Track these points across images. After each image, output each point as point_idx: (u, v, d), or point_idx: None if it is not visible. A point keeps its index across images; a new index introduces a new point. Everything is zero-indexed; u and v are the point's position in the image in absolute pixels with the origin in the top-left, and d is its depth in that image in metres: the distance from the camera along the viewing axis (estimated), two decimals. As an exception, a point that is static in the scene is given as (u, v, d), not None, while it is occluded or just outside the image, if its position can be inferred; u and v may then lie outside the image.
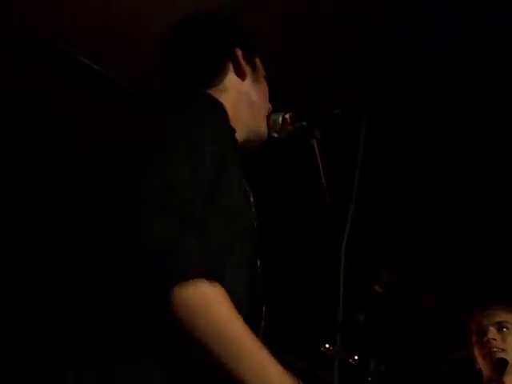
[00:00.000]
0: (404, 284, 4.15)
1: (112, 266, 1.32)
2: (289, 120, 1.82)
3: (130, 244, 1.29)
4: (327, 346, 1.48)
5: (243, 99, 1.75)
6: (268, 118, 1.82)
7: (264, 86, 1.83)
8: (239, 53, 1.76)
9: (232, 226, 1.46)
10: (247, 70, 1.78)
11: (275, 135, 1.84)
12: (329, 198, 1.65)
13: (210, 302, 1.32)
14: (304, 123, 1.80)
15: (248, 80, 1.77)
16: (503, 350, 2.80)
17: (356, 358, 1.50)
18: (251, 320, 1.38)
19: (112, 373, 1.33)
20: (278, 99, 1.86)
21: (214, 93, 1.69)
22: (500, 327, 2.85)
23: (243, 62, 1.77)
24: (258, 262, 1.58)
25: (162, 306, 1.29)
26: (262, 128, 1.80)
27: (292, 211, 3.96)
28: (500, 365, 2.73)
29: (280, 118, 1.83)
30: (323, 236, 1.59)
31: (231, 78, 1.75)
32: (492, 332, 2.82)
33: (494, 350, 2.78)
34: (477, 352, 2.88)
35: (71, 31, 3.22)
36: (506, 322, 2.87)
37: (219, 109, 1.58)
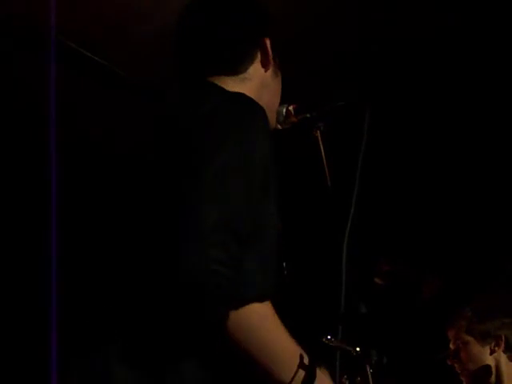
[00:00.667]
0: (404, 275, 4.16)
1: (173, 286, 1.28)
2: (292, 112, 1.82)
3: (193, 266, 1.26)
4: (329, 337, 1.48)
5: (264, 90, 1.68)
6: (272, 110, 1.82)
7: (280, 80, 1.77)
8: (268, 42, 1.69)
9: (274, 237, 1.45)
10: (271, 60, 1.70)
11: (279, 127, 1.83)
12: (332, 189, 1.65)
13: (262, 321, 1.35)
14: (308, 115, 1.80)
15: (269, 71, 1.71)
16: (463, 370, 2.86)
17: (358, 349, 1.51)
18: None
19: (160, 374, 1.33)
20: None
21: (236, 81, 1.63)
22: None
23: (270, 52, 1.69)
24: (284, 264, 1.59)
25: (215, 325, 1.30)
26: (273, 121, 1.76)
27: (294, 203, 3.96)
28: None
29: (284, 110, 1.82)
30: (326, 227, 1.59)
31: (256, 67, 1.67)
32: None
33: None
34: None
35: (71, 23, 3.23)
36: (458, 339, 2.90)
37: (264, 113, 1.50)
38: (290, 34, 3.15)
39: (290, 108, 1.82)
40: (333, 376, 1.42)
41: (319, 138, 1.74)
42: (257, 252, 1.37)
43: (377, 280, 3.98)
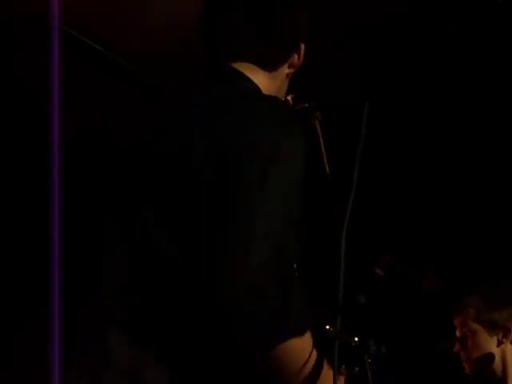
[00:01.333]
0: (404, 267, 4.15)
1: (220, 321, 1.26)
2: (291, 101, 1.81)
3: (243, 302, 1.25)
4: (327, 327, 1.48)
5: (283, 88, 1.70)
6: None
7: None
8: (303, 47, 1.69)
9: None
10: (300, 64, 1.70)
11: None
12: (331, 179, 1.65)
13: (302, 352, 1.35)
14: (306, 104, 1.80)
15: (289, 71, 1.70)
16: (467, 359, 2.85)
17: (356, 339, 1.50)
18: None
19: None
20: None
21: (266, 76, 1.61)
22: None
23: (302, 58, 1.69)
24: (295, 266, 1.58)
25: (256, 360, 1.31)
26: None
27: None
28: None
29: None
30: (324, 218, 1.58)
31: (285, 68, 1.67)
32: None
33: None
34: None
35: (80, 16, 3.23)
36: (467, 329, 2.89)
37: (301, 126, 1.47)
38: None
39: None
40: (331, 366, 1.42)
41: (318, 127, 1.74)
42: (300, 285, 1.37)
43: (377, 271, 3.98)
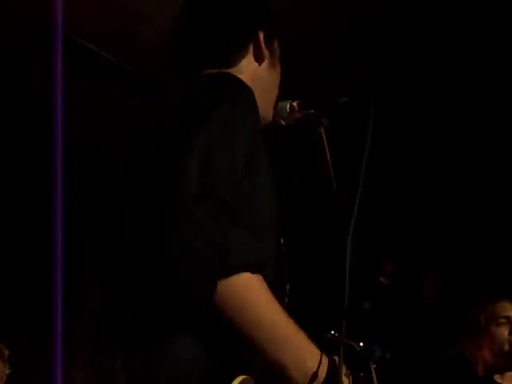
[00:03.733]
0: (407, 275, 4.16)
1: (161, 259, 1.30)
2: (296, 107, 1.81)
3: (181, 239, 1.29)
4: (332, 332, 1.48)
5: (257, 84, 1.68)
6: (275, 105, 1.81)
7: (278, 72, 1.79)
8: (261, 35, 1.70)
9: (265, 211, 1.46)
10: (266, 53, 1.71)
11: (282, 122, 1.83)
12: (336, 186, 1.65)
13: (250, 292, 1.34)
14: (312, 111, 1.80)
15: (264, 64, 1.72)
16: None
17: (361, 344, 1.51)
18: (276, 298, 1.41)
19: (155, 350, 1.35)
20: (283, 86, 1.86)
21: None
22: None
23: (263, 46, 1.70)
24: (282, 241, 1.59)
25: (206, 296, 1.30)
26: (270, 114, 1.78)
27: (298, 199, 3.96)
28: None
29: (288, 106, 1.82)
30: (329, 224, 1.59)
31: (249, 60, 1.69)
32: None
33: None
34: (486, 341, 2.91)
35: (76, 17, 3.23)
36: None
37: (251, 92, 1.53)
38: (296, 31, 3.16)
39: (294, 104, 1.81)
40: (336, 371, 1.42)
41: (323, 134, 1.74)
42: (244, 223, 1.37)
43: (382, 279, 4.00)
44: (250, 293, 1.34)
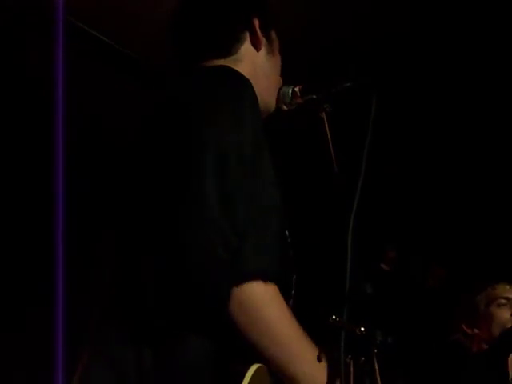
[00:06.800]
0: (410, 262, 4.17)
1: (175, 259, 1.32)
2: (298, 93, 1.81)
3: (196, 239, 1.30)
4: (334, 317, 1.49)
5: (258, 71, 1.71)
6: (278, 90, 1.81)
7: (277, 59, 1.80)
8: (256, 22, 1.72)
9: (270, 208, 1.46)
10: (263, 40, 1.73)
11: (285, 108, 1.83)
12: (337, 172, 1.65)
13: (263, 300, 1.36)
14: (314, 96, 1.80)
15: (263, 51, 1.73)
16: None
17: (362, 329, 1.51)
18: (283, 290, 1.42)
19: (166, 348, 1.36)
20: (285, 72, 1.86)
21: (229, 63, 1.65)
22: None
23: (260, 33, 1.72)
24: (287, 232, 1.59)
25: (219, 299, 1.32)
26: (272, 101, 1.79)
27: (300, 186, 3.96)
28: None
29: (290, 91, 1.82)
30: (331, 210, 1.59)
31: (247, 48, 1.71)
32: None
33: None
34: (485, 322, 2.92)
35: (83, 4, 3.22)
36: None
37: (249, 84, 1.54)
38: (297, 20, 3.15)
39: (296, 89, 1.82)
40: (337, 356, 1.43)
41: (325, 119, 1.74)
42: (255, 231, 1.38)
43: (383, 266, 4.01)
44: (263, 300, 1.36)
